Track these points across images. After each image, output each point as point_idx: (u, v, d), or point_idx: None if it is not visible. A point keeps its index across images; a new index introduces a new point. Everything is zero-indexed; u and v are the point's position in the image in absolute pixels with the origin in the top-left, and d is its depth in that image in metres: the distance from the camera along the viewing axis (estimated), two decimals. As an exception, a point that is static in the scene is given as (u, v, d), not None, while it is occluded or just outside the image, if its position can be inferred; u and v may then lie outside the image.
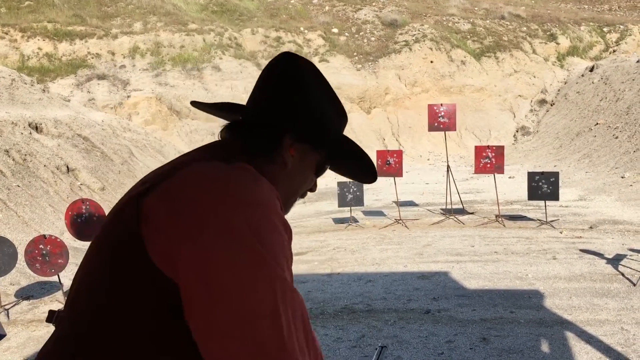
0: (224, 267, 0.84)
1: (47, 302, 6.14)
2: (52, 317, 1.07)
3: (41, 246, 5.78)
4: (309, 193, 1.26)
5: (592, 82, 20.05)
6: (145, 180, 1.00)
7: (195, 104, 1.17)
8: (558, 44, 25.51)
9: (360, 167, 1.30)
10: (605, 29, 26.83)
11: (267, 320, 0.84)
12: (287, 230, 0.96)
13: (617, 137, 14.65)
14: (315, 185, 1.25)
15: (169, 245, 0.87)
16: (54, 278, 6.33)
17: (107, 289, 0.92)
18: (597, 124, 16.65)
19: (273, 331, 0.84)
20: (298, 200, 1.23)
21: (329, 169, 1.29)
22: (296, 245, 8.36)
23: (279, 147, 1.09)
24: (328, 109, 1.18)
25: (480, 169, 9.36)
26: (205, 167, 0.96)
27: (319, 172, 1.22)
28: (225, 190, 0.90)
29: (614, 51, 25.00)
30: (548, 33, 26.15)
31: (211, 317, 0.83)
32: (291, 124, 1.11)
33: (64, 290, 5.96)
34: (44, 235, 5.91)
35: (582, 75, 21.63)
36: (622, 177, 11.90)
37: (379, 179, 14.01)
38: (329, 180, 15.40)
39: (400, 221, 9.42)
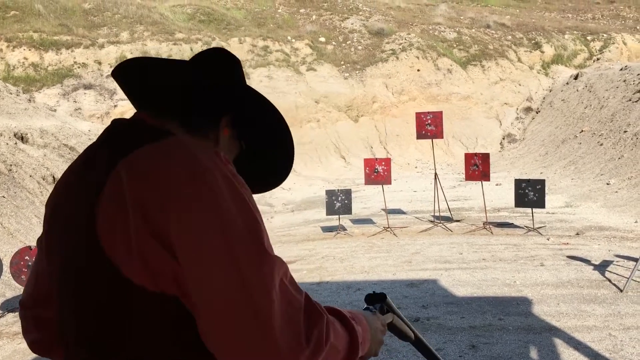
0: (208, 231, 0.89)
1: (33, 314, 6.07)
2: None
3: (27, 257, 5.71)
4: None
5: (577, 90, 20.26)
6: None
7: (114, 75, 1.19)
8: (543, 52, 25.77)
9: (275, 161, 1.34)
10: (589, 38, 27.15)
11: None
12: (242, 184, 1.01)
13: (602, 144, 14.80)
14: None
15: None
16: (40, 290, 6.25)
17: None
18: (582, 131, 16.82)
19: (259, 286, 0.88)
20: None
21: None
22: (284, 254, 8.34)
23: (216, 125, 1.16)
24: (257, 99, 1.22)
25: (469, 176, 9.45)
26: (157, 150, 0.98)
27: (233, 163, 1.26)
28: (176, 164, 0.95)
29: (598, 59, 25.29)
30: (533, 42, 26.42)
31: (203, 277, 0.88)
32: (232, 108, 1.18)
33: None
34: (30, 247, 5.85)
35: (567, 83, 21.86)
36: (608, 184, 12.02)
37: (368, 187, 14.06)
38: (317, 189, 15.42)
39: (388, 229, 9.43)
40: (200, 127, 1.13)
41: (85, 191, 0.99)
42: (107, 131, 1.10)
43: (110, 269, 0.92)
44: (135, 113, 1.13)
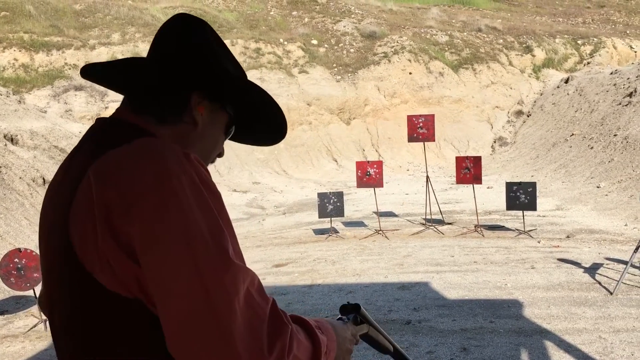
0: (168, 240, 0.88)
1: (22, 317, 6.02)
2: None
3: (16, 260, 5.67)
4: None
5: (567, 94, 20.39)
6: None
7: (85, 75, 1.15)
8: (534, 56, 25.91)
9: (269, 123, 1.30)
10: (579, 42, 27.33)
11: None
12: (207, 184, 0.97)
13: (592, 148, 14.89)
14: (223, 151, 1.26)
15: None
16: (30, 292, 6.20)
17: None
18: (573, 134, 16.92)
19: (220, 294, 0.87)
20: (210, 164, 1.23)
21: (235, 136, 1.30)
22: (276, 256, 8.33)
23: (187, 106, 1.10)
24: (229, 64, 1.18)
25: (461, 179, 9.47)
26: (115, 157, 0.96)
27: (228, 133, 1.23)
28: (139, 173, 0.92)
29: (588, 63, 25.46)
30: (524, 45, 26.56)
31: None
32: (198, 81, 1.11)
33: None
34: (19, 249, 5.80)
35: (558, 87, 21.99)
36: (598, 187, 12.09)
37: (360, 190, 14.07)
38: (309, 191, 15.41)
39: (380, 232, 9.44)
40: (168, 114, 1.08)
41: (63, 195, 0.98)
42: (89, 130, 1.09)
43: (85, 274, 0.92)
44: (116, 109, 1.11)
